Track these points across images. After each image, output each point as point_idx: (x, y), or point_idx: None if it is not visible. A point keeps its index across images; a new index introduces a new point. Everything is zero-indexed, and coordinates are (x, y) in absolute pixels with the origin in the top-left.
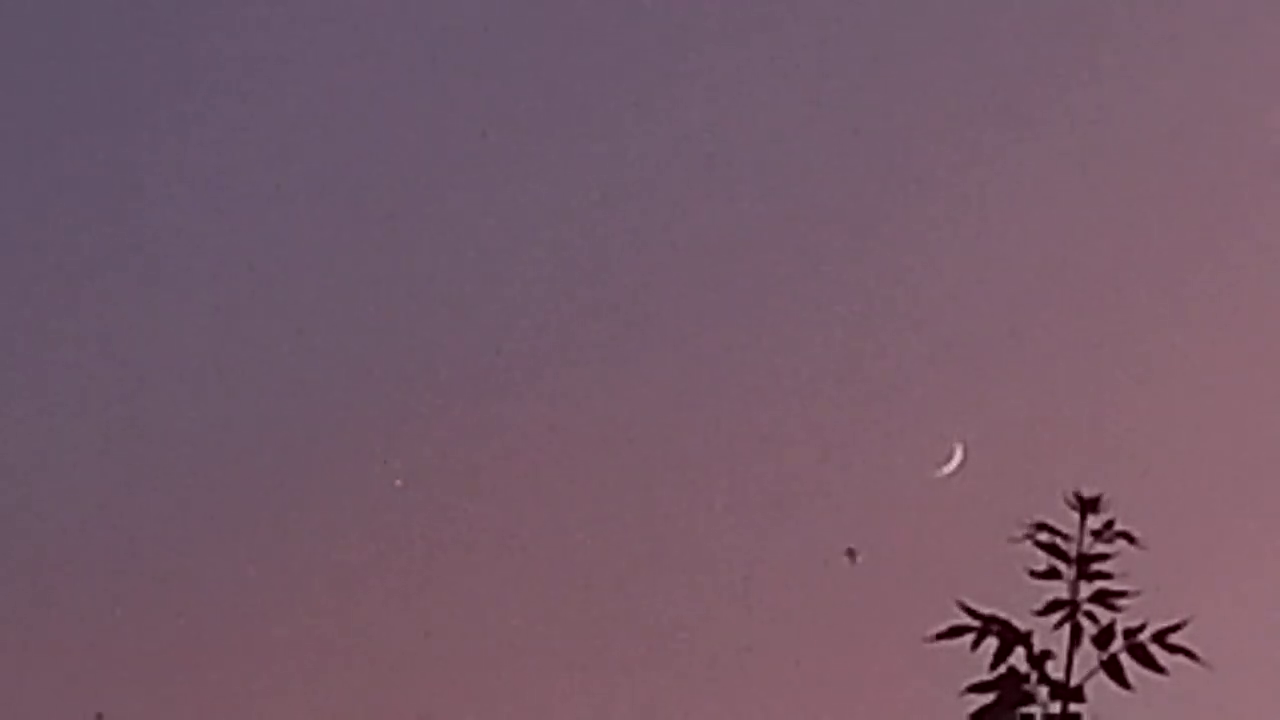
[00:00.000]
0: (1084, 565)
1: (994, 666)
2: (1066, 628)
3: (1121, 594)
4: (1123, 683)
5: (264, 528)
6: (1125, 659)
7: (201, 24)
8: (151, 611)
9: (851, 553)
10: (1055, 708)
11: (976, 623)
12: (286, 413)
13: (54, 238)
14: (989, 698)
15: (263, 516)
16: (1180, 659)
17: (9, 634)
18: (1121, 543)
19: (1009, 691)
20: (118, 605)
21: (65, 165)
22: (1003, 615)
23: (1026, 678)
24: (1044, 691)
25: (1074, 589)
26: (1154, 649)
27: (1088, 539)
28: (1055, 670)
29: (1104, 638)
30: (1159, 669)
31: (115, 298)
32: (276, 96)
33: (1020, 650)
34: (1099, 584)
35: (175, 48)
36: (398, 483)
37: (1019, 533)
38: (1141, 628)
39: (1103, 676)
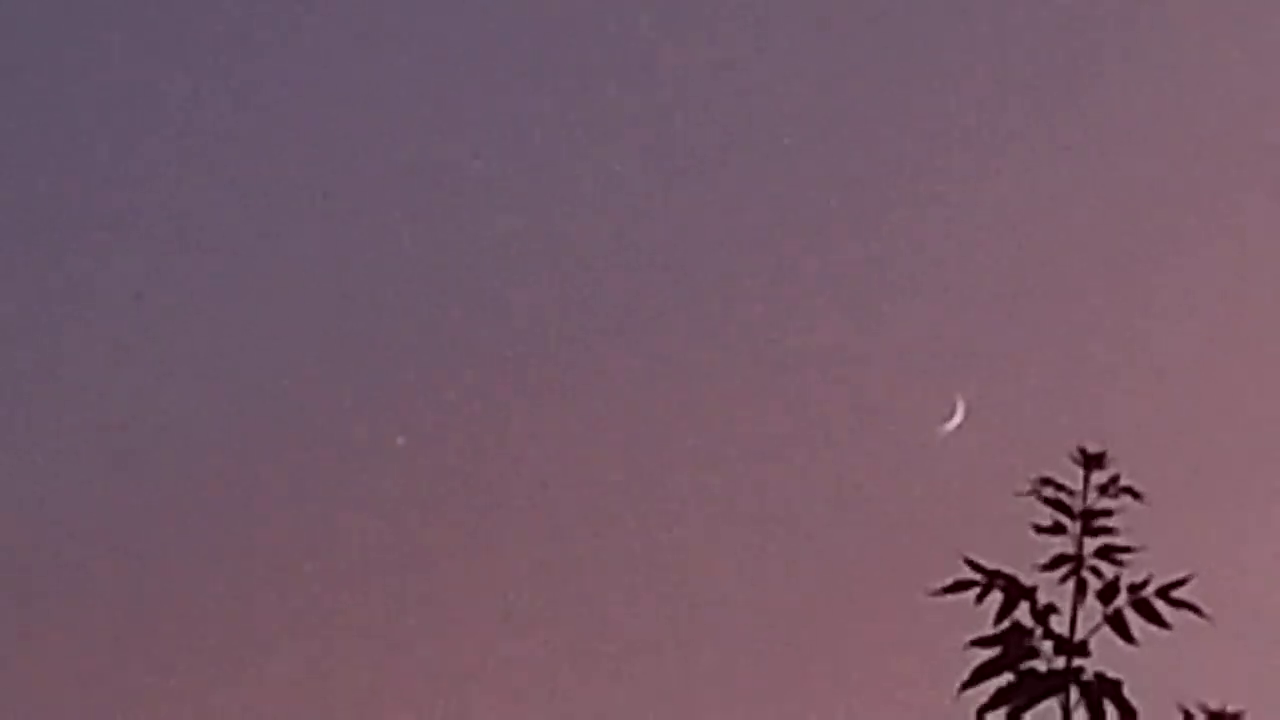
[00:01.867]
0: (1088, 520)
1: (998, 621)
2: (1071, 582)
3: (1126, 549)
4: (1127, 637)
5: (263, 528)
6: (1130, 614)
7: (202, 23)
8: (150, 609)
9: None
10: (1059, 662)
11: (981, 577)
12: (285, 414)
13: (55, 238)
14: (993, 652)
15: (261, 517)
16: (1185, 614)
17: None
18: (1126, 498)
19: (1013, 646)
20: (114, 604)
21: (64, 165)
22: (1007, 570)
23: (1031, 632)
24: (1048, 646)
25: (1078, 544)
26: (1158, 604)
27: (1092, 494)
28: (1059, 625)
29: (1108, 593)
30: (1163, 624)
31: (113, 289)
32: (276, 92)
33: (1025, 605)
34: (1103, 539)
35: (174, 46)
36: (400, 440)
37: (1023, 488)
38: (1146, 583)
39: (1107, 631)
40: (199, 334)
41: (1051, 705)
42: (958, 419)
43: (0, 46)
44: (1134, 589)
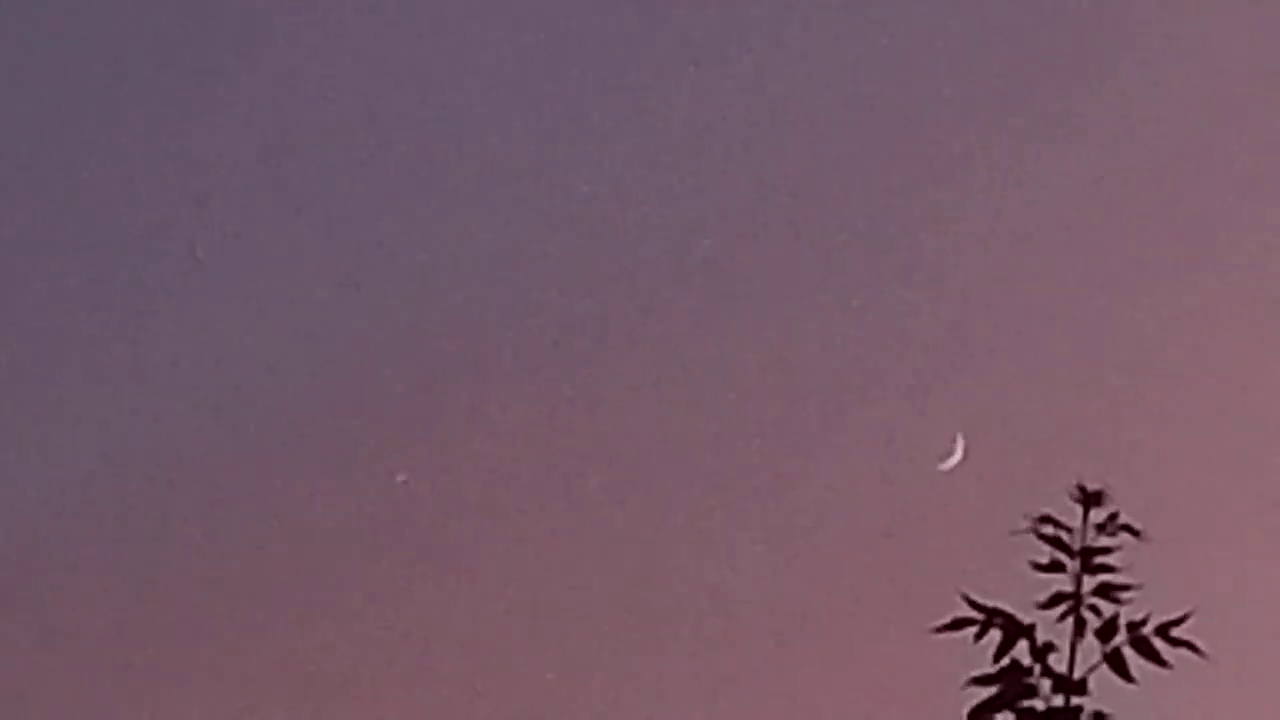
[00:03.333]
0: (1087, 558)
1: (997, 659)
2: (1070, 620)
3: (1125, 587)
4: (1126, 676)
5: (261, 530)
6: (1128, 652)
7: (201, 22)
8: (148, 611)
9: None
10: (1058, 700)
11: (980, 615)
12: (283, 417)
13: (54, 237)
14: (992, 690)
15: (259, 518)
16: (1183, 652)
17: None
18: (1125, 536)
19: (1012, 684)
20: (110, 608)
21: (64, 163)
22: (1006, 608)
23: (1030, 670)
24: (1047, 684)
25: (1077, 582)
26: (1157, 642)
27: (1091, 532)
28: (1058, 663)
29: (1107, 631)
30: (1162, 662)
31: (113, 293)
32: (274, 89)
33: (1023, 643)
34: (1102, 577)
35: (174, 45)
36: (400, 479)
37: (1022, 526)
38: (1144, 621)
39: (1106, 669)
40: (200, 351)
41: None
42: (957, 457)
43: (0, 46)
44: (1133, 627)
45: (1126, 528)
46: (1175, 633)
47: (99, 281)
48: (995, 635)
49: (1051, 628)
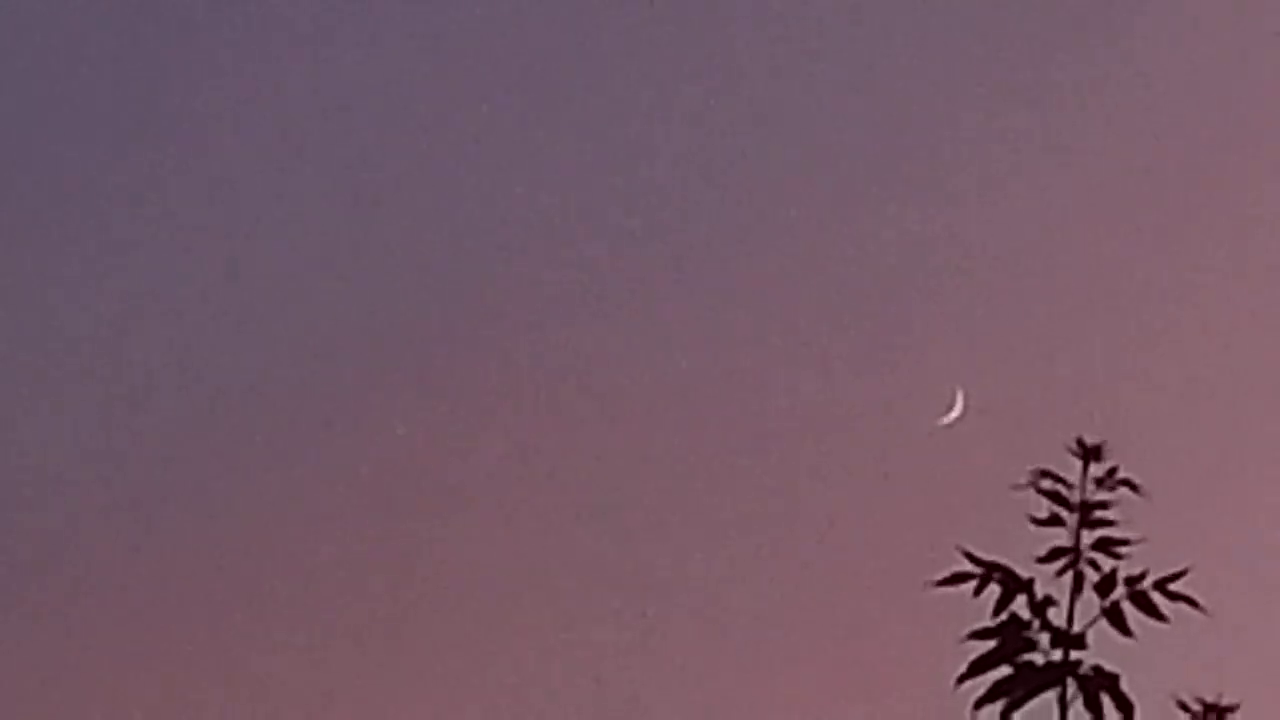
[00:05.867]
0: (1086, 513)
1: (996, 613)
2: (1068, 575)
3: (1123, 542)
4: (1124, 630)
5: (260, 525)
6: (1127, 606)
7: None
8: (146, 604)
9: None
10: (1057, 655)
11: (979, 570)
12: (281, 409)
13: (54, 234)
14: (991, 644)
15: (256, 512)
16: (1182, 607)
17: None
18: (1124, 490)
19: (1010, 638)
20: (107, 600)
21: (64, 162)
22: (1005, 562)
23: (1028, 625)
24: (1045, 638)
25: (1076, 536)
26: (1155, 596)
27: (1090, 487)
28: (1057, 617)
29: (1106, 585)
30: (1160, 617)
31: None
32: (274, 88)
33: (1022, 597)
34: (1101, 531)
35: (171, 44)
36: (400, 430)
37: (1021, 480)
38: (1143, 575)
39: (1104, 624)
40: (198, 322)
41: (1049, 698)
42: (957, 411)
43: (0, 45)
44: (1131, 582)
45: (1125, 482)
46: (1174, 587)
47: (100, 261)
48: (994, 590)
49: (1050, 582)
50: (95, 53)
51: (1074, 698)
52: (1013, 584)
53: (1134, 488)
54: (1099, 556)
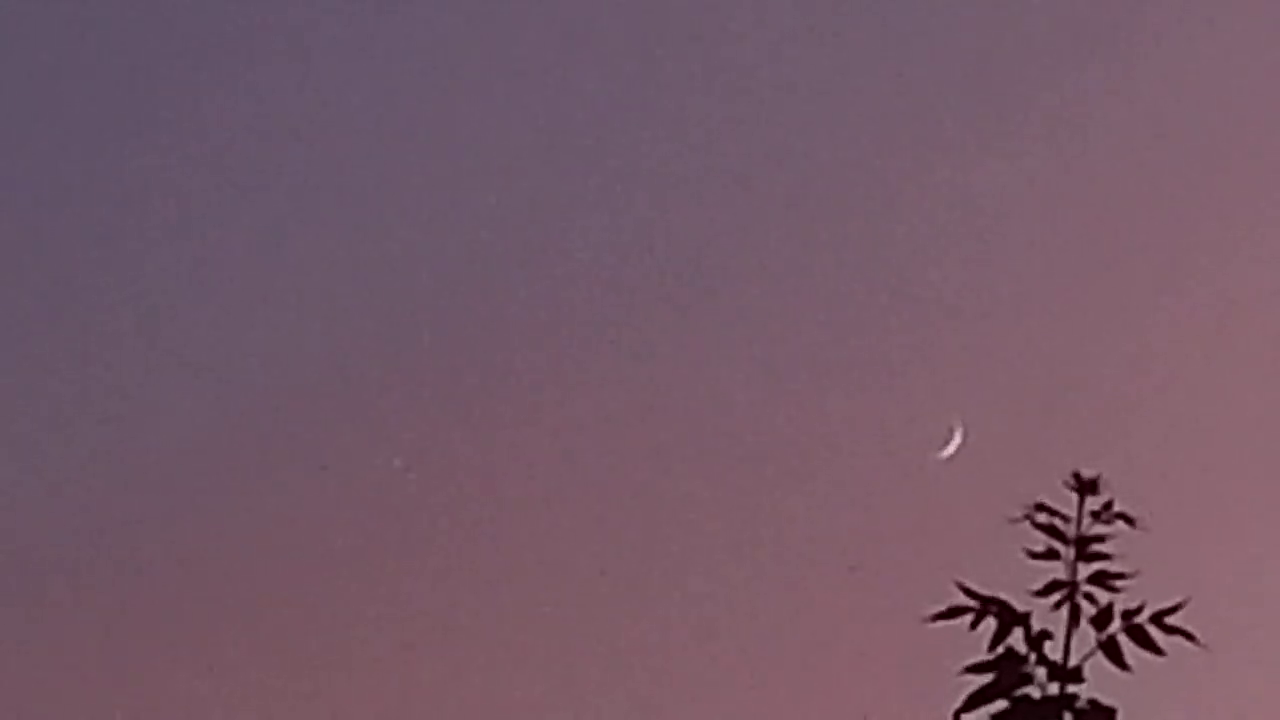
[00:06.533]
0: (1082, 546)
1: (992, 647)
2: (1065, 609)
3: (1120, 575)
4: (1121, 664)
5: (260, 521)
6: (1123, 640)
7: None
8: (143, 604)
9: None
10: (1053, 688)
11: (975, 603)
12: (280, 408)
13: (54, 232)
14: (987, 678)
15: (256, 509)
16: (1178, 640)
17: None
18: (1120, 524)
19: (1007, 672)
20: (103, 599)
21: (63, 161)
22: (1001, 596)
23: (1025, 658)
24: (1042, 672)
25: (1072, 570)
26: (1152, 630)
27: (1086, 520)
28: (1053, 651)
29: (1102, 619)
30: (1157, 650)
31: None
32: (274, 88)
33: (1018, 631)
34: (1097, 565)
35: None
36: (397, 463)
37: (1018, 514)
38: (1140, 609)
39: (1101, 657)
40: (198, 344)
41: None
42: (955, 445)
43: (1, 43)
44: (1128, 615)
45: (1122, 516)
46: (1171, 621)
47: (102, 272)
48: (990, 623)
49: (1047, 616)
50: (95, 52)
51: None
52: (1009, 618)
53: (1130, 521)
54: (1096, 590)
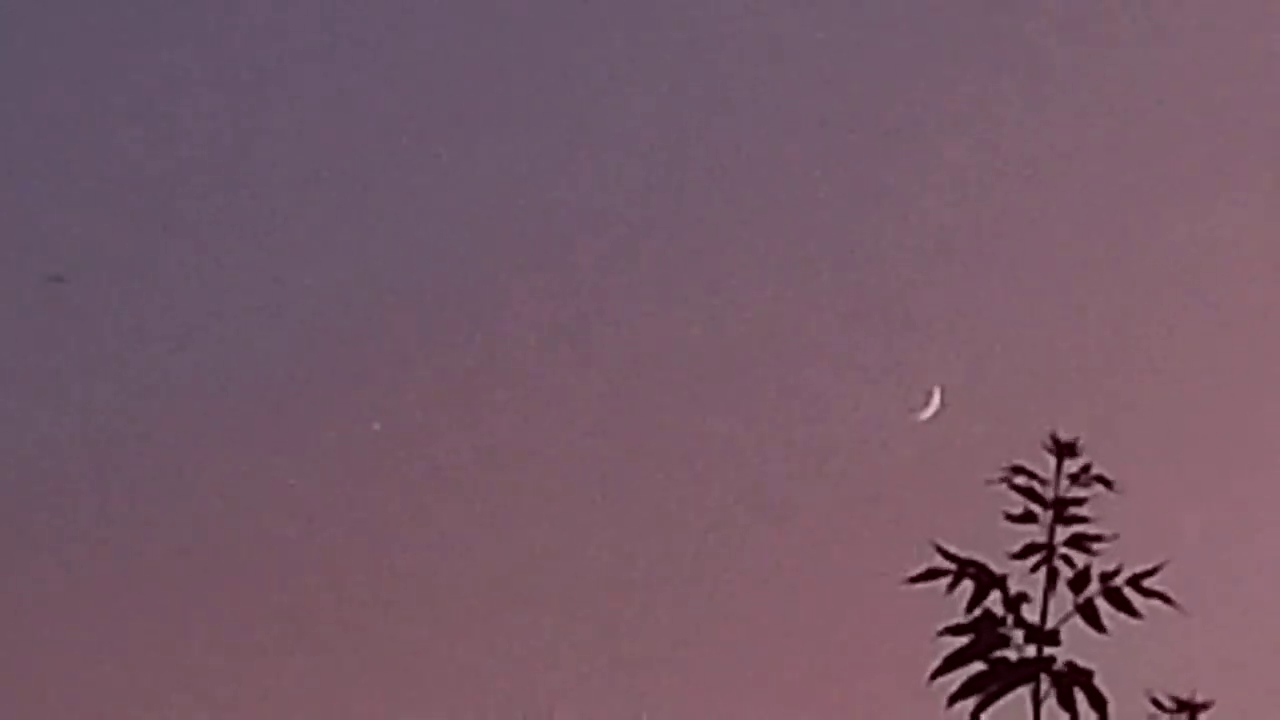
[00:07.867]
0: (1060, 509)
1: (970, 609)
2: (1042, 571)
3: (1097, 538)
4: (1098, 626)
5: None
6: (1101, 603)
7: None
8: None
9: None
10: (1030, 651)
11: (952, 566)
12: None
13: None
14: (964, 640)
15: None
16: (1156, 603)
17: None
18: (1098, 487)
19: (984, 634)
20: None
21: (64, 160)
22: (979, 559)
23: (1002, 621)
24: (1019, 635)
25: (1050, 533)
26: (1129, 593)
27: (1064, 483)
28: (1031, 613)
29: (1079, 581)
30: (1134, 613)
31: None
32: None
33: (996, 593)
34: (1075, 528)
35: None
36: (376, 426)
37: (996, 477)
38: (1117, 572)
39: (1078, 620)
40: (187, 317)
41: (1022, 694)
42: (933, 408)
43: (1, 43)
44: (1105, 578)
45: (1099, 479)
46: (1147, 583)
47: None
48: (968, 586)
49: (1024, 578)
50: (94, 53)
51: (1047, 694)
52: (987, 580)
53: (1108, 484)
54: (1073, 553)
